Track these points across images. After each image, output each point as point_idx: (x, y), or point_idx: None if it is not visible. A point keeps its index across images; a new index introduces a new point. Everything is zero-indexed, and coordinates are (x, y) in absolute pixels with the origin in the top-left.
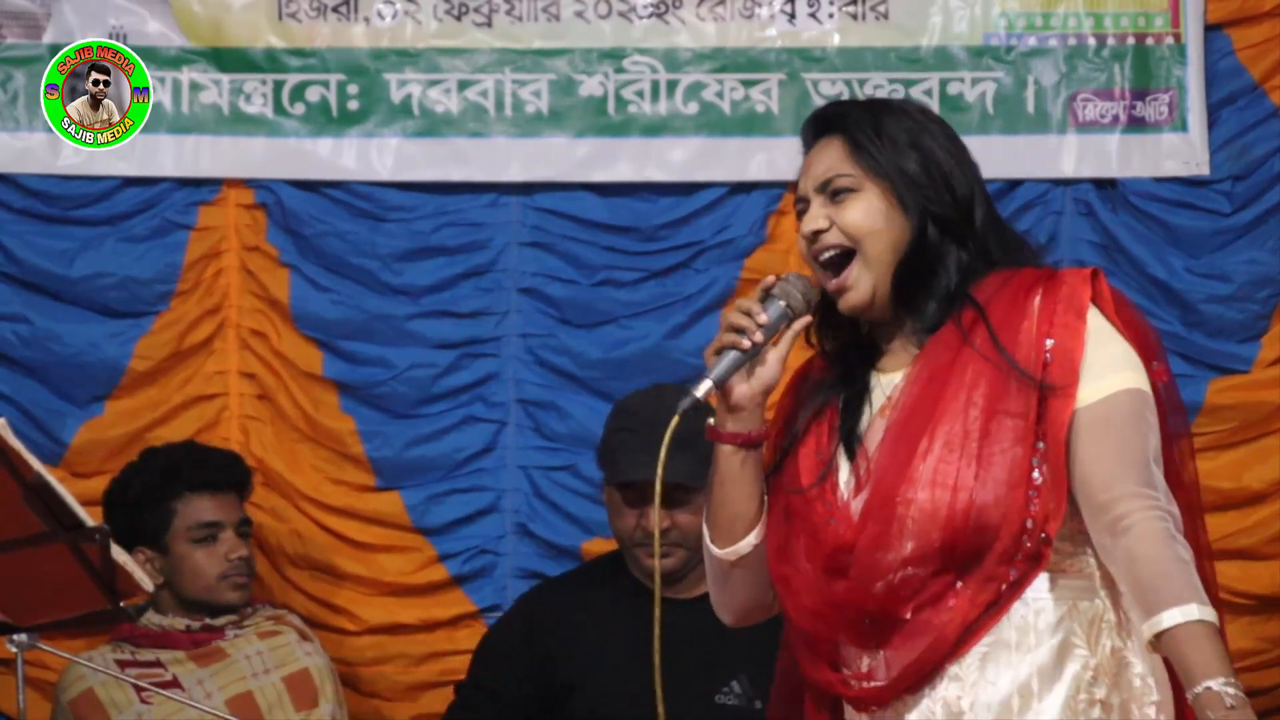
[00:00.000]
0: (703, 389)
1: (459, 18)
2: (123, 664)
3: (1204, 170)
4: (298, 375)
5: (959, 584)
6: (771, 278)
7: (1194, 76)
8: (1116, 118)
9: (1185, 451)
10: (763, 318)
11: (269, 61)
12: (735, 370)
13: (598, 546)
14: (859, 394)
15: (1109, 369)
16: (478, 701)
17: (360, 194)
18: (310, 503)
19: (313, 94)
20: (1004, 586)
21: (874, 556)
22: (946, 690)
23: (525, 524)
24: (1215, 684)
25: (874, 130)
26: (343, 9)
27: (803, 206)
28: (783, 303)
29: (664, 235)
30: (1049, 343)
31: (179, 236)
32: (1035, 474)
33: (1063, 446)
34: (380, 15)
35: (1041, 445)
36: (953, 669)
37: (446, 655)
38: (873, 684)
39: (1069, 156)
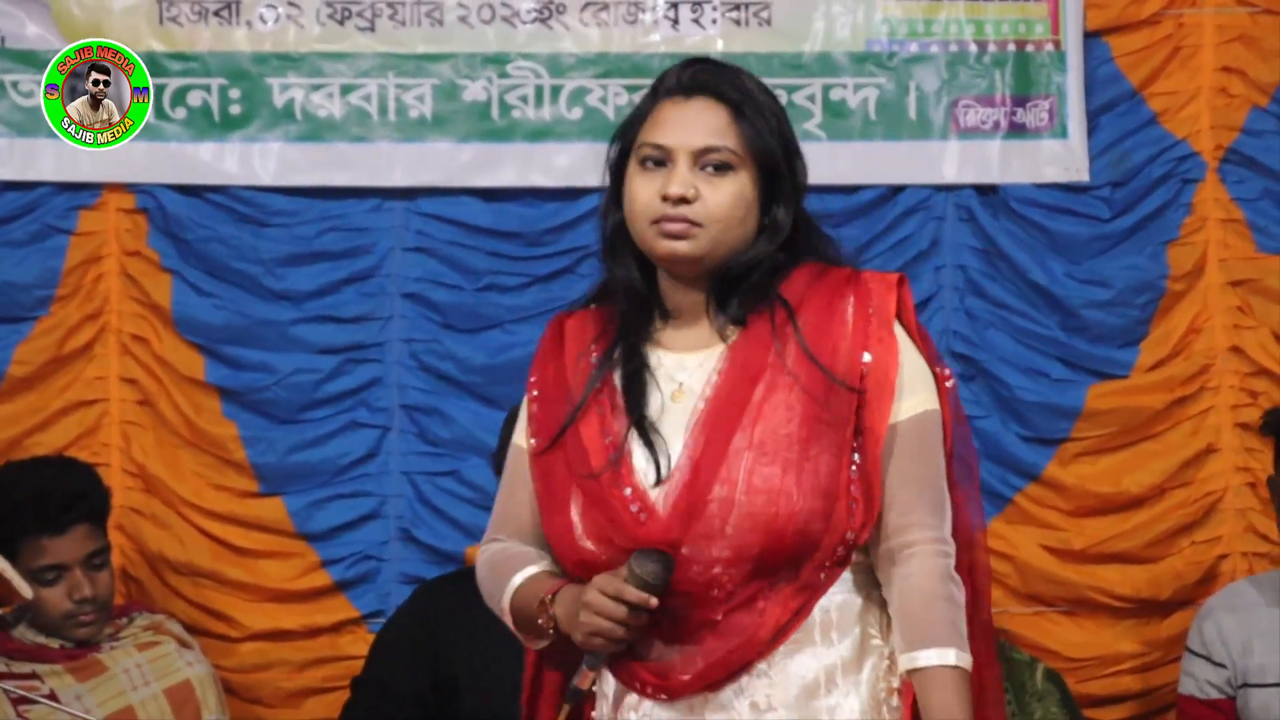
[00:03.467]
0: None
1: (341, 22)
2: None
3: (1084, 176)
4: (179, 380)
5: (770, 588)
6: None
7: (1074, 83)
8: (997, 124)
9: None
10: (620, 631)
11: (150, 65)
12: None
13: None
14: (638, 370)
15: (916, 387)
16: (374, 697)
17: (242, 199)
18: (192, 508)
19: (194, 98)
20: (814, 590)
21: (689, 555)
22: (751, 685)
23: (409, 529)
24: None
25: (757, 107)
26: (224, 13)
27: (659, 156)
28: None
29: (548, 240)
30: (866, 356)
31: (59, 241)
32: (852, 486)
33: (878, 461)
34: (262, 19)
35: (857, 458)
36: (760, 665)
37: (329, 661)
38: (677, 677)
39: (950, 162)
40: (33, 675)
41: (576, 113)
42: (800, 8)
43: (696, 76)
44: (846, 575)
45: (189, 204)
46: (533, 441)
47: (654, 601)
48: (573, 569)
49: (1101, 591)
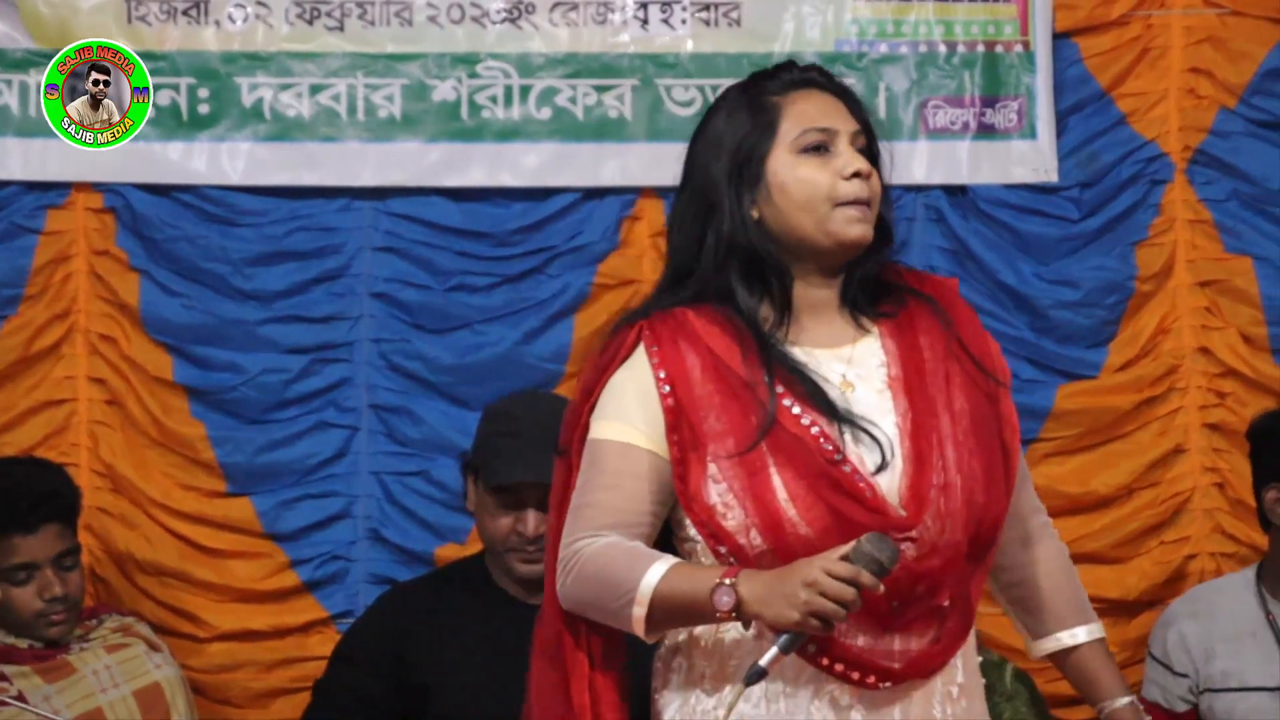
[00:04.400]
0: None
1: (311, 21)
2: None
3: (1052, 177)
4: (147, 380)
5: (973, 573)
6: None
7: (1043, 84)
8: (967, 125)
9: None
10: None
11: None
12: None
13: (450, 552)
14: (797, 366)
15: None
16: (336, 701)
17: (211, 198)
18: (160, 508)
19: (163, 97)
20: (986, 576)
21: (928, 540)
22: (948, 674)
23: (377, 529)
24: (1134, 698)
25: (861, 104)
26: (193, 12)
27: (823, 140)
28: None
29: (517, 240)
30: (991, 347)
31: (27, 240)
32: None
33: (1018, 450)
34: (231, 18)
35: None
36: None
37: (298, 661)
38: (892, 664)
39: (920, 163)
40: (1, 677)
41: (546, 113)
42: (770, 8)
43: (818, 72)
44: None
45: (157, 203)
46: (675, 438)
47: (882, 587)
48: (781, 556)
49: None
